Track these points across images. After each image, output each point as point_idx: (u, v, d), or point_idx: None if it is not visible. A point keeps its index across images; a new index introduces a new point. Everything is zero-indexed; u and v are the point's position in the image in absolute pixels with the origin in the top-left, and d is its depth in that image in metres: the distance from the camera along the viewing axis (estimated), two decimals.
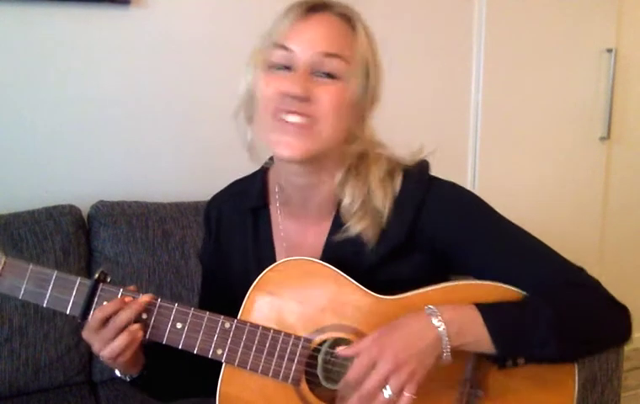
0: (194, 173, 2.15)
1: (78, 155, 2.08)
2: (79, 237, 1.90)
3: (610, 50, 2.84)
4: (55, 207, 1.91)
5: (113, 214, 1.94)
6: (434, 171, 1.10)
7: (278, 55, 0.99)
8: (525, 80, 2.73)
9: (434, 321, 0.92)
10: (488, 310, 0.95)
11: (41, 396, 1.81)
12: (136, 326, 1.00)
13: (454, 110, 2.68)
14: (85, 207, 1.98)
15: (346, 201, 1.04)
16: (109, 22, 2.04)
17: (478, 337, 0.93)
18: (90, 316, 1.02)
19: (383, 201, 1.03)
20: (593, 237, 2.99)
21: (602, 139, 2.93)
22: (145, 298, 1.02)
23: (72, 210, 1.92)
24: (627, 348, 2.24)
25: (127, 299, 1.02)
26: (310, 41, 0.97)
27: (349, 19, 1.01)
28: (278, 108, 0.98)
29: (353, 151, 1.04)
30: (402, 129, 2.49)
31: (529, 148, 2.81)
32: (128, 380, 1.10)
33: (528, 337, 0.94)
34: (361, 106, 1.03)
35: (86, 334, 1.02)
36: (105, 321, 1.00)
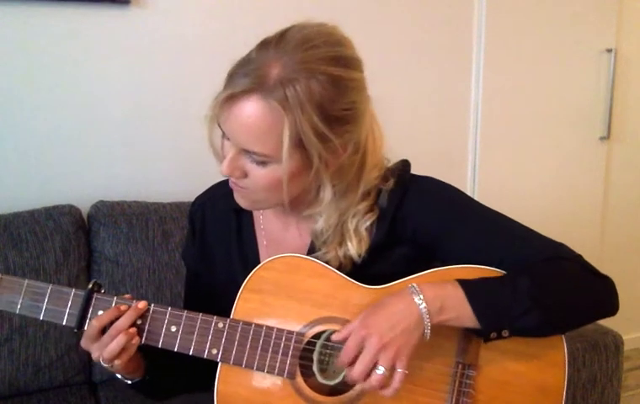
0: (194, 173, 2.13)
1: (78, 155, 2.08)
2: (79, 237, 1.90)
3: (610, 50, 2.84)
4: (55, 207, 1.91)
5: (113, 214, 1.94)
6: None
7: (219, 128, 0.99)
8: (525, 80, 2.73)
9: (416, 300, 0.95)
10: (470, 285, 0.98)
11: (41, 396, 1.81)
12: (133, 329, 1.03)
13: (454, 111, 2.68)
14: (85, 207, 1.98)
15: (319, 225, 1.06)
16: (108, 22, 2.05)
17: (461, 311, 0.96)
18: (87, 325, 1.04)
19: (358, 249, 1.05)
20: (593, 237, 2.99)
21: (602, 139, 2.94)
22: (140, 304, 1.04)
23: (71, 210, 1.92)
24: (627, 348, 2.24)
25: (123, 307, 1.04)
26: (233, 133, 0.96)
27: (278, 107, 0.91)
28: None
29: (311, 214, 1.05)
30: (403, 129, 2.51)
31: (529, 148, 2.82)
32: (129, 382, 1.13)
33: (510, 308, 0.97)
34: (307, 175, 0.99)
35: (84, 343, 1.05)
36: (103, 330, 1.03)
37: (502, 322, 0.97)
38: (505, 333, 0.98)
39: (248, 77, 0.93)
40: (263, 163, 0.96)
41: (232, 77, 0.95)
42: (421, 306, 0.95)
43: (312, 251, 1.09)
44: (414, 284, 0.97)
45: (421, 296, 0.95)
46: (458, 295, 0.97)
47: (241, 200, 1.05)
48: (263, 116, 0.92)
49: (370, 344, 0.93)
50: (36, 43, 1.98)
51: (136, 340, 1.03)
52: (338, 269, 1.06)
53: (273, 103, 0.91)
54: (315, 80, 0.92)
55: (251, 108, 0.93)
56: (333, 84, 0.94)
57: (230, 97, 0.93)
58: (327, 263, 1.06)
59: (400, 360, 0.93)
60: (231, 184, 1.04)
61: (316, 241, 1.08)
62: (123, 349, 1.01)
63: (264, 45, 0.96)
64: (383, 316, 0.95)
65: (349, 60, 0.98)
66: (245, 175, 0.99)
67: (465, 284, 0.98)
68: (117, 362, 1.02)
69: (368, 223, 1.06)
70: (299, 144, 0.94)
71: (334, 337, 0.99)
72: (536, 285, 0.97)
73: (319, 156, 0.96)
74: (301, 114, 0.92)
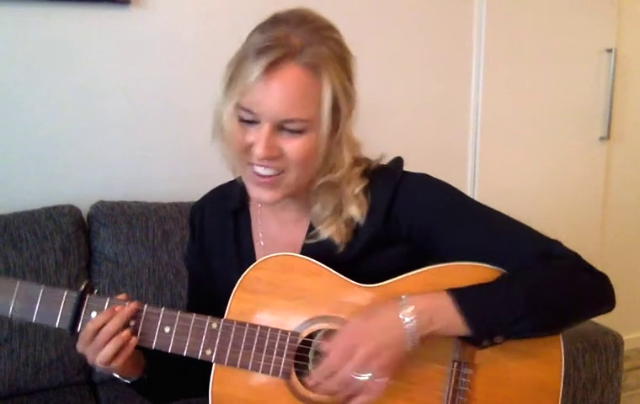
0: (194, 173, 2.14)
1: (78, 155, 2.08)
2: (79, 237, 1.90)
3: (610, 50, 2.84)
4: (55, 207, 1.91)
5: (113, 214, 1.94)
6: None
7: (243, 113, 0.98)
8: (525, 80, 2.73)
9: (405, 318, 0.95)
10: (459, 293, 0.97)
11: (41, 396, 1.81)
12: (126, 332, 1.02)
13: (454, 111, 2.68)
14: (85, 207, 1.98)
15: (316, 208, 1.07)
16: (108, 22, 2.05)
17: (450, 321, 0.96)
18: (81, 328, 1.03)
19: (360, 211, 1.06)
20: (593, 237, 2.99)
21: (602, 139, 2.94)
22: (132, 305, 1.03)
23: (71, 210, 1.92)
24: (627, 348, 2.24)
25: (117, 308, 1.03)
26: (271, 107, 0.95)
27: (313, 66, 0.96)
28: (248, 160, 1.00)
29: (329, 181, 1.05)
30: (403, 129, 2.51)
31: (529, 148, 2.82)
32: (128, 382, 1.12)
33: (502, 315, 0.96)
34: (333, 138, 1.02)
35: (80, 347, 1.04)
36: (97, 331, 1.02)
37: (494, 330, 0.97)
38: (498, 339, 0.98)
39: (274, 49, 0.94)
40: (300, 132, 0.97)
41: (244, 59, 0.96)
42: (410, 324, 0.95)
43: (309, 232, 1.09)
44: (404, 297, 0.97)
45: (410, 309, 0.95)
46: (447, 304, 0.96)
47: (268, 193, 1.02)
48: (301, 79, 0.95)
49: (360, 353, 0.94)
50: (36, 43, 1.98)
51: (133, 341, 1.02)
52: (339, 242, 1.06)
53: (309, 63, 0.95)
54: (330, 42, 0.99)
55: (289, 74, 0.95)
56: (341, 46, 1.01)
57: (268, 67, 0.93)
58: (328, 238, 1.06)
59: (383, 372, 0.95)
60: (257, 178, 1.01)
61: (315, 222, 1.08)
62: (118, 353, 1.01)
63: (271, 23, 0.99)
64: (372, 328, 0.96)
65: (335, 28, 1.03)
66: (280, 154, 0.99)
67: (453, 293, 0.97)
68: (114, 364, 1.02)
69: (362, 185, 1.06)
70: (333, 102, 0.98)
71: (323, 348, 0.99)
72: (528, 290, 0.97)
73: (345, 116, 1.00)
74: (333, 71, 0.97)
